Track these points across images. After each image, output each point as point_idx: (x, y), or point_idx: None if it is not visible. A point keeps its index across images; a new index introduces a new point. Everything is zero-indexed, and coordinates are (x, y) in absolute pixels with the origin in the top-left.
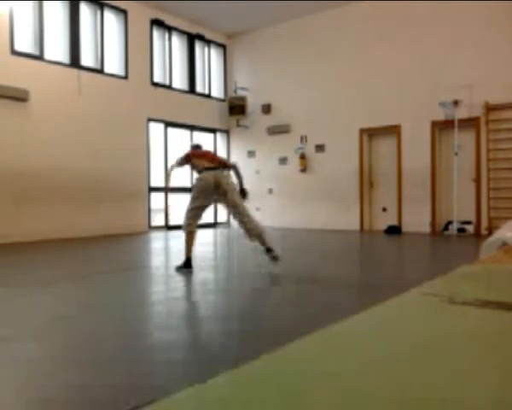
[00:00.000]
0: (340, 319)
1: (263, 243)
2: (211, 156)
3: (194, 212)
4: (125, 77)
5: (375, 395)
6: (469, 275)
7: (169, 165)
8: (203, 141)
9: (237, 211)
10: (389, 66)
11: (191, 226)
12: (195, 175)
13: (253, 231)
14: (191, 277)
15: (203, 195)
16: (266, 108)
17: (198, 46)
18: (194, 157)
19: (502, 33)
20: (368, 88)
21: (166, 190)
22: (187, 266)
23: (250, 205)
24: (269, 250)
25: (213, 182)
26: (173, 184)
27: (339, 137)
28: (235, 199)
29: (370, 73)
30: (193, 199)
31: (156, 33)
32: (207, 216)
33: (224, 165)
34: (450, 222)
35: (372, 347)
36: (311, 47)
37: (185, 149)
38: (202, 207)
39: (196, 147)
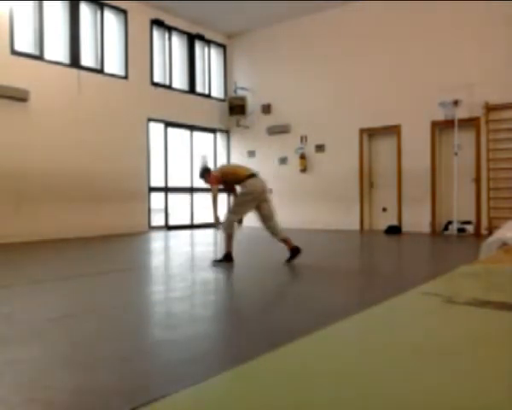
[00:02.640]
0: (340, 319)
1: (285, 242)
2: (240, 167)
3: (239, 217)
4: (125, 77)
5: (375, 394)
6: (469, 275)
7: (209, 198)
8: (203, 141)
9: (269, 218)
10: (389, 66)
11: (233, 229)
12: (237, 188)
13: (277, 235)
14: (191, 276)
15: (253, 203)
16: (266, 108)
17: (198, 46)
18: (225, 174)
19: (502, 33)
20: (368, 88)
21: (217, 223)
22: (228, 260)
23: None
24: (293, 250)
25: (261, 187)
26: (174, 183)
27: (339, 137)
28: (271, 208)
29: (370, 73)
30: (242, 205)
31: (156, 33)
32: (207, 216)
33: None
34: (450, 222)
35: (372, 346)
36: (311, 47)
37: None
38: (246, 214)
39: (207, 169)
